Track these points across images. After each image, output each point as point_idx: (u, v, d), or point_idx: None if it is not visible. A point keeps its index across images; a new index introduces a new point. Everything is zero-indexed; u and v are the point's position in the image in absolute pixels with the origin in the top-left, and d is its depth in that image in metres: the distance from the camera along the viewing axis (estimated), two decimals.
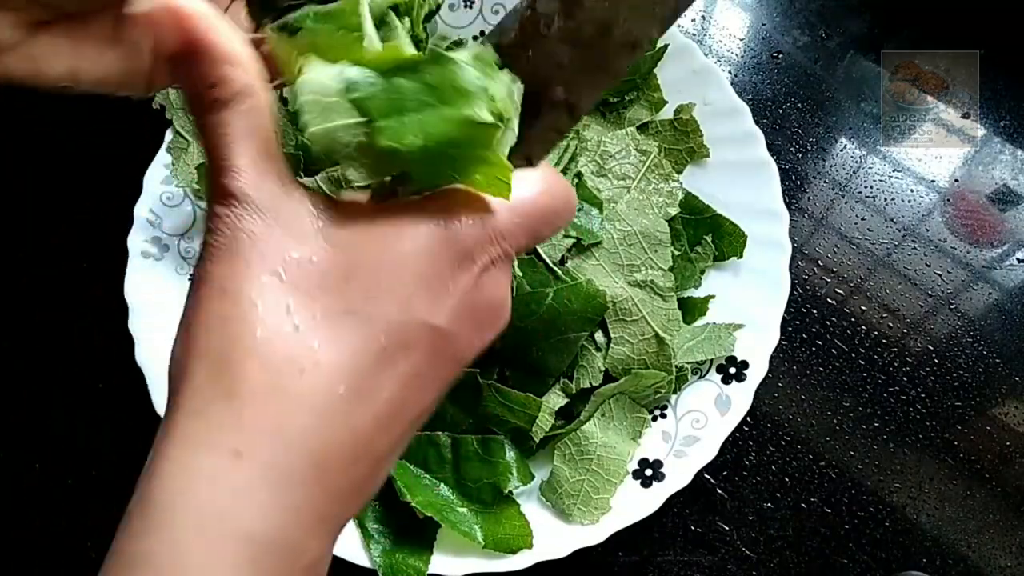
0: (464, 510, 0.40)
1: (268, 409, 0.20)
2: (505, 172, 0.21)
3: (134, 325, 0.43)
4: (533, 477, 0.41)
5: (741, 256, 0.45)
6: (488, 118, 0.20)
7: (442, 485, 0.41)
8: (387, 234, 0.21)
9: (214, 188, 0.21)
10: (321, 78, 0.19)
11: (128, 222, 0.45)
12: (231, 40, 0.21)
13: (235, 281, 0.20)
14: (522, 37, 0.24)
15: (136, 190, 0.46)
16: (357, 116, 0.19)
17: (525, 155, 0.24)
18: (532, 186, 0.23)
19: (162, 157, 0.46)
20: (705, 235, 0.45)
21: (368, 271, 0.20)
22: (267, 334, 0.20)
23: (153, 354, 0.43)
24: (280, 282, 0.20)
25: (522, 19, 0.24)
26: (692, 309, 0.45)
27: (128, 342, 0.43)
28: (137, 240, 0.45)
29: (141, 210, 0.45)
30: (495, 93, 0.20)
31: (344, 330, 0.20)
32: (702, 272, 0.45)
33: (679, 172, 0.47)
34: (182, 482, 0.19)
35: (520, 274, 0.40)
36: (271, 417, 0.20)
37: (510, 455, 0.40)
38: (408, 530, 0.39)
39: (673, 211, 0.44)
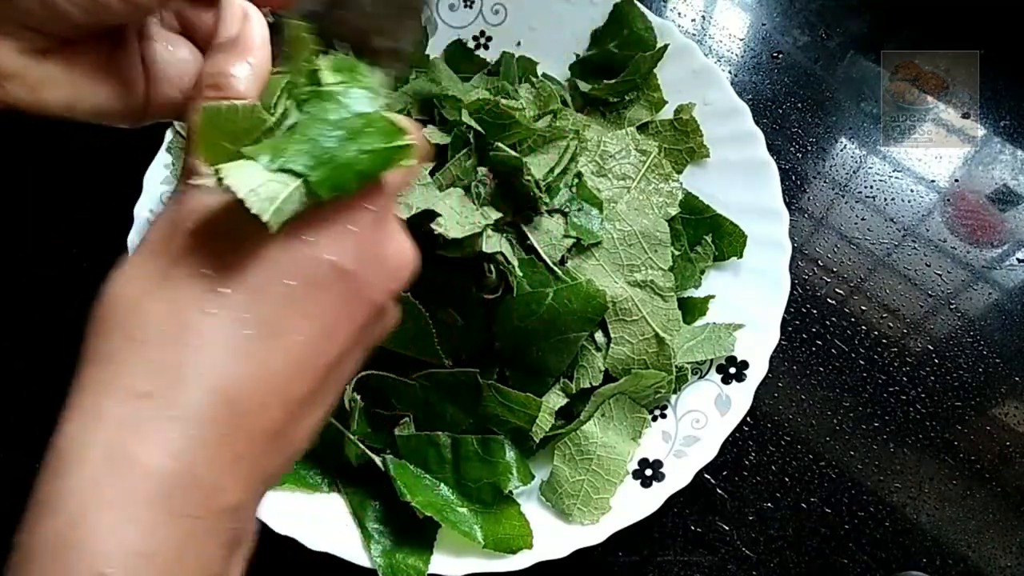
0: (464, 510, 0.40)
1: (173, 349, 0.20)
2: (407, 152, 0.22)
3: None
4: (533, 477, 0.41)
5: (741, 256, 0.45)
6: (406, 140, 0.22)
7: (442, 485, 0.41)
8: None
9: (185, 164, 0.23)
10: (246, 170, 0.20)
11: (128, 222, 0.45)
12: (257, 45, 0.24)
13: (162, 243, 0.21)
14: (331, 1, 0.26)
15: (136, 190, 0.46)
16: (292, 180, 0.20)
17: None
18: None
19: (162, 157, 0.46)
20: (705, 235, 0.45)
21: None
22: (176, 282, 0.21)
23: None
24: (191, 235, 0.21)
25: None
26: (692, 309, 0.45)
27: None
28: (137, 240, 0.45)
29: (141, 210, 0.45)
30: (388, 104, 0.23)
31: (249, 274, 0.21)
32: (702, 272, 0.45)
33: (679, 172, 0.47)
34: (91, 426, 0.20)
35: (520, 274, 0.40)
36: (176, 356, 0.20)
37: (510, 455, 0.40)
38: (408, 530, 0.39)
39: (673, 211, 0.44)
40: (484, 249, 0.36)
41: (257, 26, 0.25)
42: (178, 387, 0.20)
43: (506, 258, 0.37)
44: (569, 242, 0.42)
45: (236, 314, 0.20)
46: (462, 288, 0.40)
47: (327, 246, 0.21)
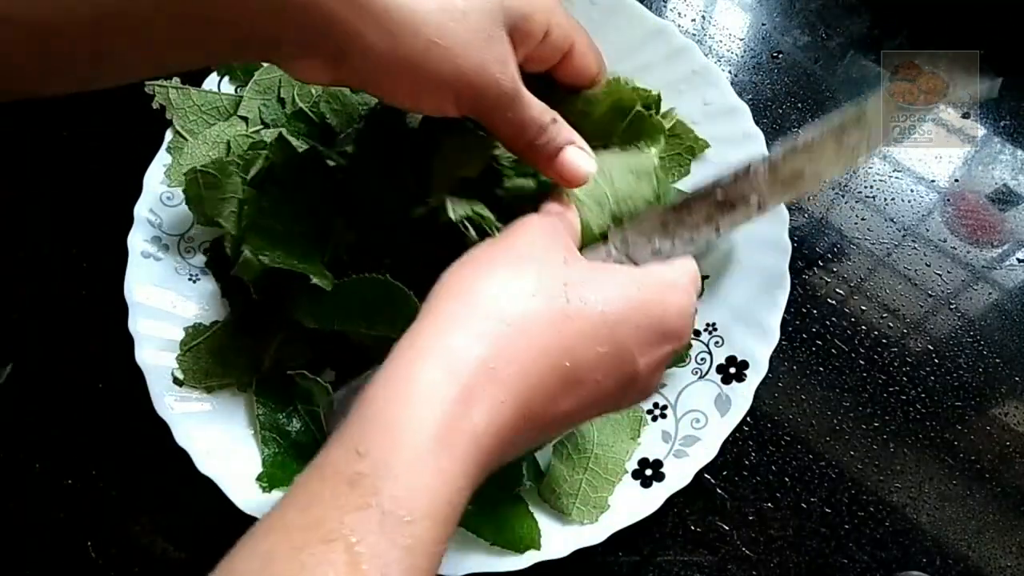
0: (472, 508, 0.40)
1: (516, 346, 0.26)
2: None
3: (134, 325, 0.43)
4: (544, 475, 0.41)
5: (701, 152, 0.47)
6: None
7: None
8: (650, 289, 0.30)
9: (552, 199, 0.34)
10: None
11: (128, 222, 0.45)
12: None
13: (531, 252, 0.29)
14: (736, 177, 0.35)
15: (136, 190, 0.46)
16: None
17: (715, 228, 0.35)
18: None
19: (162, 157, 0.46)
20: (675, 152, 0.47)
21: (627, 316, 0.28)
22: (541, 294, 0.27)
23: (153, 354, 0.43)
24: (564, 264, 0.29)
25: (738, 170, 0.35)
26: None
27: (128, 342, 0.43)
28: (137, 240, 0.45)
29: (141, 210, 0.45)
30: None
31: (594, 325, 0.27)
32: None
33: (686, 173, 0.47)
34: (443, 376, 0.24)
35: (500, 225, 0.39)
36: (517, 353, 0.26)
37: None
38: None
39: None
40: (451, 217, 0.36)
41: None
42: (508, 382, 0.25)
43: (480, 215, 0.36)
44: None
45: (567, 346, 0.27)
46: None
47: (640, 349, 0.29)
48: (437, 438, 0.23)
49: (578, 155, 0.33)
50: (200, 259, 0.46)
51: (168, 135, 0.47)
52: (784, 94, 0.55)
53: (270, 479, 0.40)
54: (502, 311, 0.26)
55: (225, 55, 0.34)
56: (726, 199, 0.35)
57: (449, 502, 0.23)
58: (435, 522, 0.22)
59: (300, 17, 0.27)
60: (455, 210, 0.35)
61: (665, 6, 0.59)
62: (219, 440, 0.41)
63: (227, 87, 0.48)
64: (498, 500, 0.40)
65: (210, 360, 0.43)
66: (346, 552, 0.20)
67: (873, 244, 0.51)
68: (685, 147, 0.47)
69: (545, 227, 0.31)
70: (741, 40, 0.58)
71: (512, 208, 0.35)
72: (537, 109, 0.32)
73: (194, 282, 0.45)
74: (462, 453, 0.23)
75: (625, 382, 0.29)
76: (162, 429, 0.41)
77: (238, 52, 0.32)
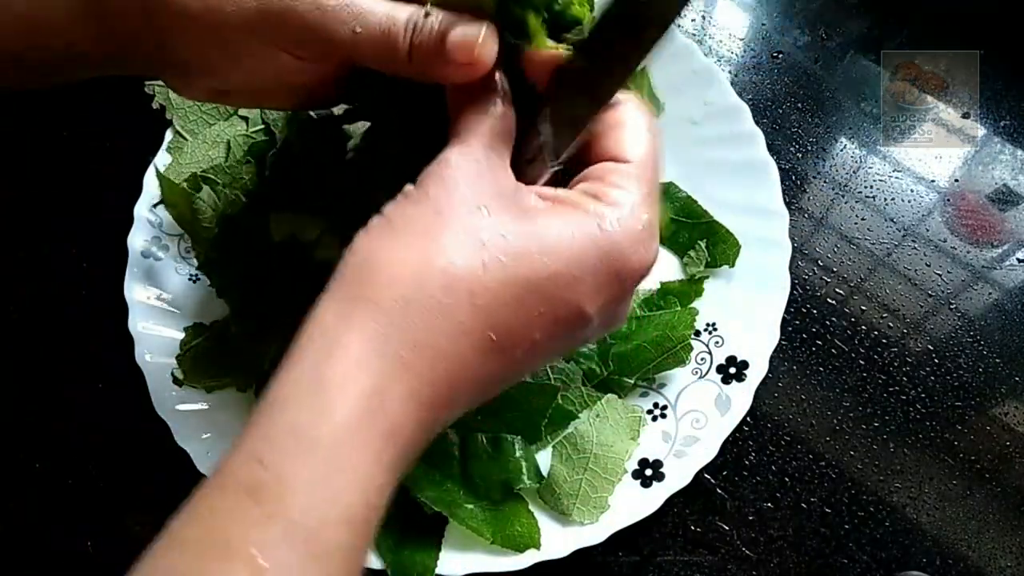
0: (472, 507, 0.40)
1: (436, 324, 0.23)
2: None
3: (134, 325, 0.43)
4: (543, 476, 0.41)
5: (733, 265, 0.45)
6: None
7: (449, 482, 0.41)
8: (577, 227, 0.24)
9: (456, 144, 0.26)
10: None
11: (128, 222, 0.45)
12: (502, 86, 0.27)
13: (449, 208, 0.24)
14: None
15: (136, 190, 0.46)
16: None
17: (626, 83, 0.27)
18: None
19: (162, 157, 0.46)
20: (700, 240, 0.45)
21: (553, 254, 0.24)
22: (459, 261, 0.23)
23: (153, 354, 0.43)
24: (485, 215, 0.24)
25: None
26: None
27: (128, 342, 0.43)
28: (137, 240, 0.45)
29: (141, 210, 0.45)
30: None
31: (520, 287, 0.23)
32: (694, 278, 0.45)
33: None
34: (353, 369, 0.22)
35: None
36: (437, 334, 0.23)
37: (520, 453, 0.40)
38: (414, 528, 0.39)
39: None
40: None
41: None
42: (428, 363, 0.23)
43: None
44: None
45: (492, 317, 0.23)
46: None
47: (587, 297, 0.25)
48: (348, 438, 0.21)
49: (467, 32, 0.26)
50: None
51: (168, 135, 0.47)
52: (784, 94, 0.55)
53: None
54: (408, 289, 0.23)
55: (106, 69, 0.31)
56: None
57: (367, 503, 0.21)
58: (352, 525, 0.21)
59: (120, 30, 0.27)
60: None
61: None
62: (219, 440, 0.41)
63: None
64: (498, 499, 0.40)
65: (210, 360, 0.43)
66: (248, 567, 0.19)
67: (873, 244, 0.51)
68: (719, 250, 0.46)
69: (463, 168, 0.25)
70: (741, 40, 0.58)
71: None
72: (387, 9, 0.27)
73: (194, 282, 0.45)
74: (378, 449, 0.21)
75: (573, 330, 0.25)
76: (162, 429, 0.41)
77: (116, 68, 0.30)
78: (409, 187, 0.25)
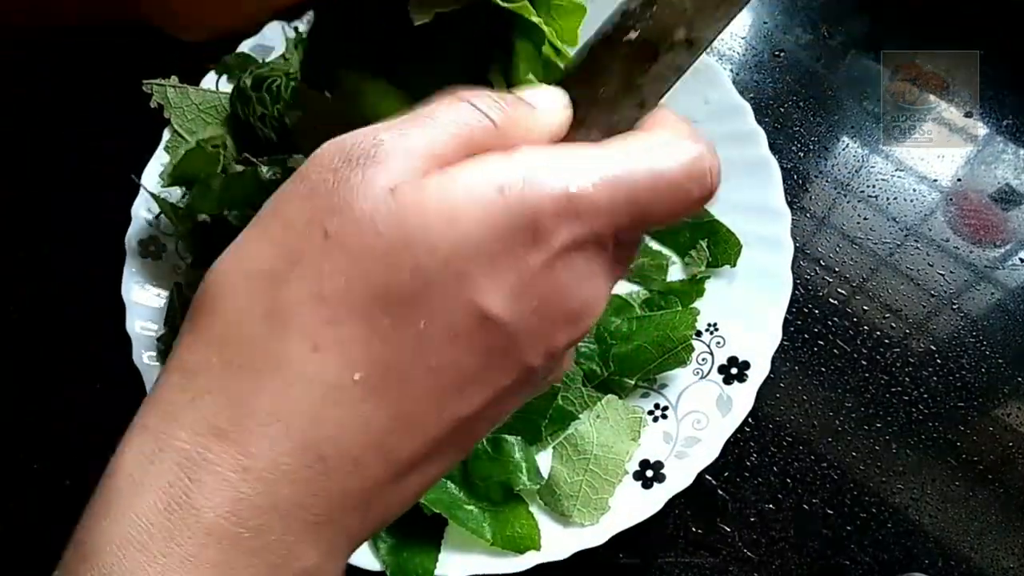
0: (472, 508, 0.40)
1: (266, 385, 0.17)
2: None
3: (131, 326, 0.43)
4: (543, 477, 0.40)
5: (734, 265, 0.45)
6: None
7: (449, 483, 0.40)
8: (454, 200, 0.17)
9: (375, 130, 0.18)
10: None
11: (127, 222, 0.45)
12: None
13: (289, 232, 0.17)
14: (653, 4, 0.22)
15: (135, 190, 0.46)
16: None
17: (637, 101, 0.22)
18: (642, 148, 0.19)
19: (160, 156, 0.46)
20: (701, 239, 0.45)
21: (423, 242, 0.17)
22: (290, 300, 0.17)
23: (151, 354, 0.42)
24: (325, 239, 0.17)
25: None
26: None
27: (126, 342, 0.42)
28: (135, 240, 0.45)
29: (140, 210, 0.45)
30: None
31: (376, 307, 0.17)
32: (695, 278, 0.45)
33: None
34: (152, 459, 0.17)
35: None
36: (266, 395, 0.17)
37: (520, 454, 0.40)
38: (413, 529, 0.39)
39: None
40: None
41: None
42: (259, 432, 0.16)
43: None
44: None
45: (347, 353, 0.17)
46: None
47: (478, 286, 0.17)
48: (149, 543, 0.16)
49: None
50: None
51: (166, 134, 0.47)
52: (786, 92, 0.55)
53: None
54: (213, 351, 0.17)
55: None
56: (643, 39, 0.22)
57: None
58: None
59: None
60: None
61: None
62: None
63: (225, 86, 0.48)
64: (498, 501, 0.40)
65: None
66: None
67: (875, 244, 0.51)
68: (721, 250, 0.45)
69: (319, 180, 0.18)
70: (743, 38, 0.58)
71: None
72: None
73: None
74: (187, 561, 0.16)
75: (485, 343, 0.18)
76: None
77: None
78: (268, 201, 0.19)
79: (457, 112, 0.18)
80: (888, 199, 0.52)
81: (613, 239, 0.18)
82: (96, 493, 0.18)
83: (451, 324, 0.17)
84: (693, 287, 0.45)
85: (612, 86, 0.22)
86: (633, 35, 0.22)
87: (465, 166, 0.18)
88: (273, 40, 0.48)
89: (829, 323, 0.49)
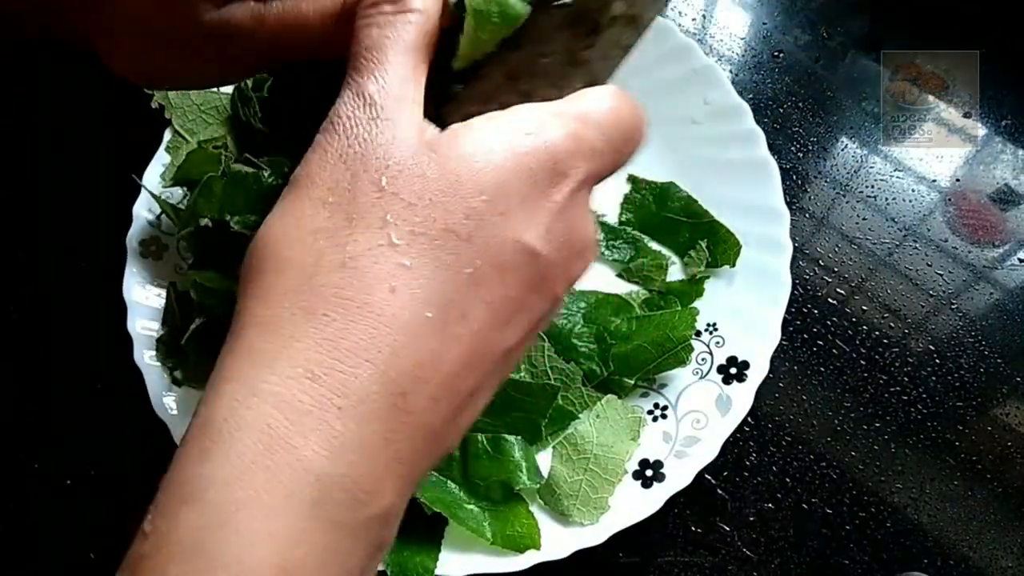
0: (472, 507, 0.40)
1: (350, 328, 0.18)
2: None
3: (132, 325, 0.43)
4: (543, 477, 0.41)
5: (733, 265, 0.45)
6: None
7: (449, 483, 0.40)
8: (486, 149, 0.20)
9: (350, 85, 0.20)
10: None
11: (128, 222, 0.45)
12: None
13: (338, 191, 0.19)
14: None
15: (136, 190, 0.46)
16: None
17: (588, 78, 0.23)
18: (608, 101, 0.22)
19: (161, 157, 0.46)
20: (700, 240, 0.45)
21: (468, 187, 0.19)
22: (359, 249, 0.19)
23: (152, 354, 0.42)
24: (380, 192, 0.19)
25: None
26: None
27: (127, 342, 0.43)
28: (136, 240, 0.45)
29: (141, 210, 0.45)
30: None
31: (439, 248, 0.19)
32: (694, 278, 0.45)
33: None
34: (248, 403, 0.18)
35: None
36: (352, 337, 0.18)
37: (520, 453, 0.40)
38: (414, 528, 0.39)
39: None
40: None
41: None
42: (349, 372, 0.18)
43: None
44: None
45: (418, 292, 0.18)
46: None
47: (519, 224, 0.19)
48: (239, 481, 0.17)
49: None
50: None
51: (167, 135, 0.47)
52: (785, 93, 0.55)
53: None
54: (302, 297, 0.19)
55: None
56: (579, 10, 0.23)
57: (277, 558, 0.17)
58: None
59: None
60: None
61: (666, 5, 0.59)
62: None
63: (226, 87, 0.48)
64: (498, 500, 0.40)
65: (209, 360, 0.43)
66: None
67: (874, 244, 0.51)
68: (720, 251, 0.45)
69: (352, 131, 0.20)
70: (742, 39, 0.58)
71: None
72: None
73: None
74: (288, 492, 0.17)
75: (529, 274, 0.20)
76: (162, 429, 0.41)
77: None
78: (299, 168, 0.21)
79: (392, 39, 0.21)
80: (887, 199, 0.52)
81: (596, 178, 0.22)
82: (186, 442, 0.18)
83: (501, 260, 0.19)
84: (692, 287, 0.45)
85: (555, 56, 0.23)
86: (567, 0, 0.22)
87: (487, 118, 0.20)
88: None
89: (828, 323, 0.49)
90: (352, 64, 0.21)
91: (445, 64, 0.23)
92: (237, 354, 0.19)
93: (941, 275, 0.50)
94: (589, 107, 0.21)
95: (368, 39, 0.21)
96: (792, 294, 0.43)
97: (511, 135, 0.20)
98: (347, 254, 0.19)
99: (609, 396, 0.42)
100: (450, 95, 0.24)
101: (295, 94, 0.30)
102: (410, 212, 0.19)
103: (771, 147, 0.46)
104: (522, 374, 0.42)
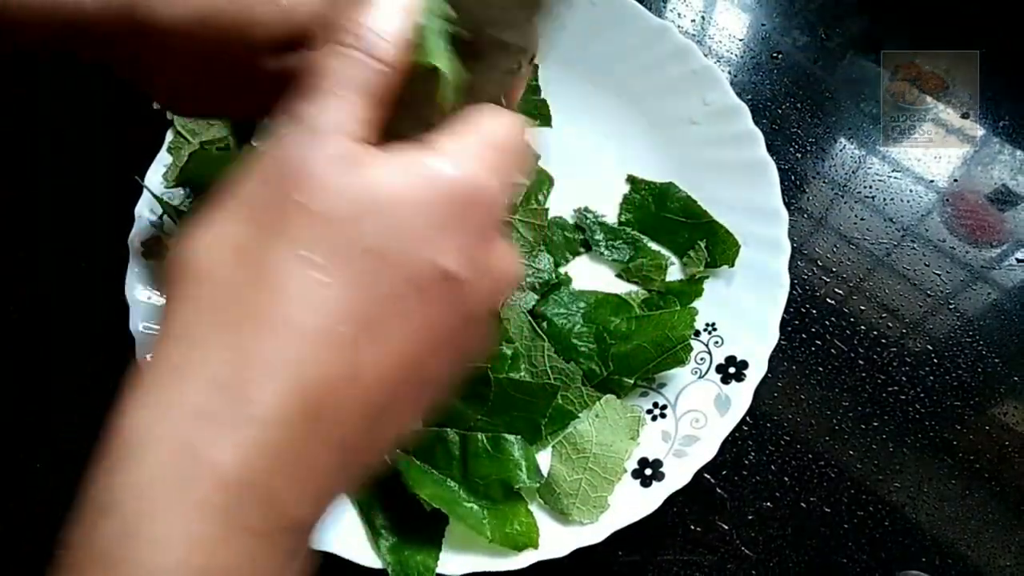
0: (472, 505, 0.40)
1: (262, 340, 0.18)
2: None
3: (135, 325, 0.43)
4: (543, 475, 0.41)
5: (732, 265, 0.45)
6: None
7: (449, 481, 0.41)
8: (403, 174, 0.20)
9: (289, 106, 0.21)
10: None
11: (128, 222, 0.45)
12: (405, 11, 0.22)
13: (260, 207, 0.19)
14: None
15: (136, 190, 0.46)
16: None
17: (488, 98, 0.25)
18: (504, 124, 0.23)
19: (162, 157, 0.46)
20: (699, 240, 0.46)
21: (388, 210, 0.20)
22: (276, 265, 0.19)
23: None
24: (300, 209, 0.19)
25: None
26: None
27: (127, 342, 0.43)
28: (138, 240, 0.45)
29: (142, 210, 0.45)
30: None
31: (357, 267, 0.19)
32: (693, 278, 0.45)
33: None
34: (157, 414, 0.18)
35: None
36: (264, 349, 0.18)
37: (519, 452, 0.40)
38: (415, 527, 0.39)
39: None
40: None
41: None
42: (261, 382, 0.18)
43: None
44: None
45: (334, 307, 0.19)
46: None
47: (437, 247, 0.20)
48: (161, 499, 0.17)
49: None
50: None
51: (169, 135, 0.47)
52: (784, 94, 0.55)
53: None
54: (219, 316, 0.19)
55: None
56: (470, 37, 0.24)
57: (185, 563, 0.17)
58: None
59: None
60: None
61: (665, 6, 0.59)
62: None
63: None
64: (498, 499, 0.40)
65: None
66: None
67: (872, 244, 0.51)
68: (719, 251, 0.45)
69: (269, 164, 0.20)
70: (741, 40, 0.58)
71: None
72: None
73: None
74: (202, 504, 0.17)
75: (449, 296, 0.21)
76: None
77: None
78: (223, 186, 0.21)
79: (340, 67, 0.21)
80: (885, 200, 0.53)
81: (505, 199, 0.22)
82: (103, 453, 0.19)
83: (419, 283, 0.20)
84: (692, 287, 0.45)
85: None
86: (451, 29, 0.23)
87: (408, 147, 0.21)
88: None
89: (826, 323, 0.49)
90: (298, 86, 0.21)
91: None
92: (151, 364, 0.19)
93: (939, 275, 0.50)
94: (492, 132, 0.22)
95: (327, 68, 0.21)
96: (791, 294, 0.43)
97: (428, 163, 0.21)
98: (264, 269, 0.19)
99: (608, 396, 0.43)
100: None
101: None
102: (329, 231, 0.19)
103: (770, 148, 0.46)
104: (522, 374, 0.43)
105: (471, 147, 0.21)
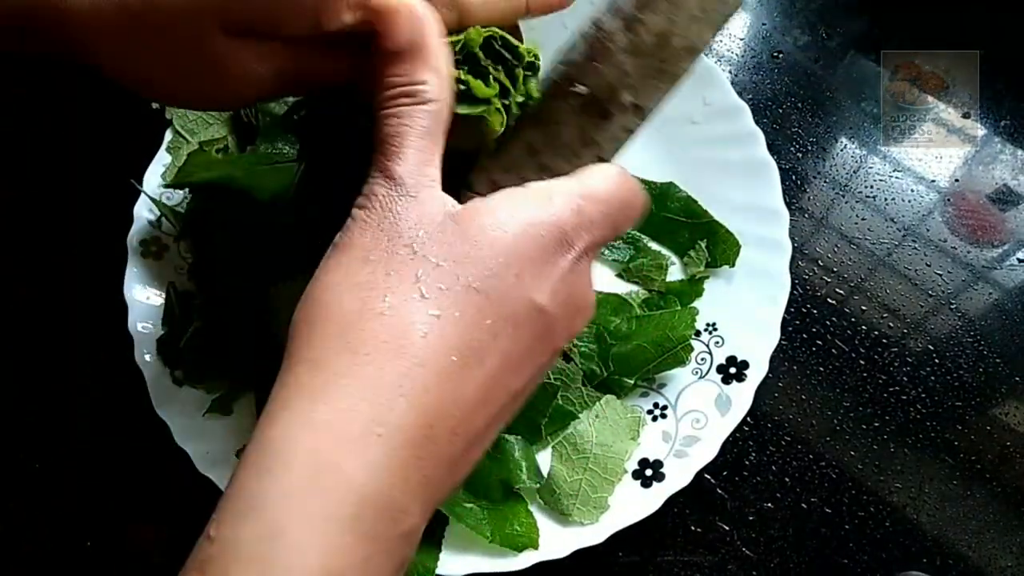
0: (472, 506, 0.40)
1: (389, 366, 0.21)
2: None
3: (133, 325, 0.43)
4: (543, 476, 0.41)
5: (733, 265, 0.45)
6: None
7: None
8: (502, 220, 0.23)
9: (377, 167, 0.24)
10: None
11: (128, 222, 0.45)
12: (441, 52, 0.25)
13: (377, 253, 0.23)
14: (591, 52, 0.27)
15: (136, 190, 0.46)
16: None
17: (597, 155, 0.28)
18: (611, 180, 0.26)
19: (162, 157, 0.46)
20: (700, 240, 0.45)
21: (487, 252, 0.23)
22: (395, 301, 0.22)
23: (152, 354, 0.42)
24: (413, 254, 0.23)
25: (589, 37, 0.28)
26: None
27: (128, 342, 0.43)
28: (137, 240, 0.45)
29: (141, 210, 0.45)
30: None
31: (463, 302, 0.22)
32: (694, 278, 0.45)
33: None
34: (298, 430, 0.21)
35: None
36: (391, 374, 0.21)
37: (520, 453, 0.40)
38: None
39: None
40: None
41: (434, 29, 0.26)
42: (388, 405, 0.21)
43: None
44: None
45: (446, 339, 0.22)
46: None
47: (533, 285, 0.23)
48: (296, 498, 0.20)
49: None
50: None
51: (168, 135, 0.47)
52: (784, 94, 0.55)
53: None
54: (351, 343, 0.22)
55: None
56: (592, 98, 0.28)
57: (325, 569, 0.19)
58: None
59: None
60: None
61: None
62: (218, 440, 0.41)
63: None
64: (498, 499, 0.40)
65: (209, 360, 0.43)
66: None
67: (873, 244, 0.51)
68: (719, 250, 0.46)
69: (386, 205, 0.24)
70: (741, 40, 0.58)
71: None
72: None
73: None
74: (334, 511, 0.20)
75: (538, 331, 0.24)
76: (162, 429, 0.41)
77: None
78: (340, 235, 0.24)
79: (412, 121, 0.25)
80: (886, 199, 0.52)
81: (596, 247, 0.26)
82: (245, 461, 0.21)
83: (514, 315, 0.23)
84: (692, 287, 0.45)
85: (569, 136, 0.28)
86: (582, 89, 0.27)
87: (504, 194, 0.25)
88: None
89: (827, 323, 0.49)
90: (379, 148, 0.24)
91: (460, 143, 0.27)
92: (289, 387, 0.22)
93: (940, 275, 0.50)
94: (594, 185, 0.25)
95: (390, 127, 0.24)
96: (791, 294, 0.43)
97: (524, 209, 0.24)
98: (386, 304, 0.22)
99: (609, 396, 0.42)
100: (478, 165, 0.28)
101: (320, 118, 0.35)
102: (438, 272, 0.23)
103: (770, 147, 0.46)
104: None
105: (565, 192, 0.25)
